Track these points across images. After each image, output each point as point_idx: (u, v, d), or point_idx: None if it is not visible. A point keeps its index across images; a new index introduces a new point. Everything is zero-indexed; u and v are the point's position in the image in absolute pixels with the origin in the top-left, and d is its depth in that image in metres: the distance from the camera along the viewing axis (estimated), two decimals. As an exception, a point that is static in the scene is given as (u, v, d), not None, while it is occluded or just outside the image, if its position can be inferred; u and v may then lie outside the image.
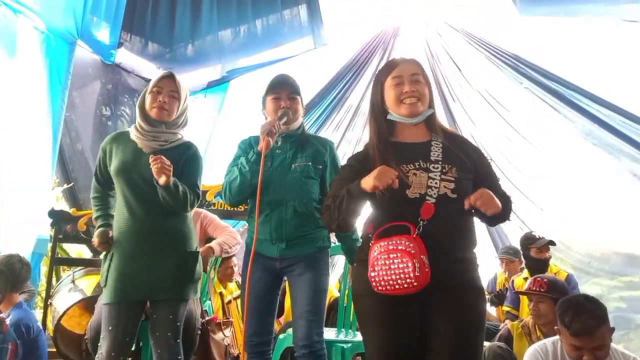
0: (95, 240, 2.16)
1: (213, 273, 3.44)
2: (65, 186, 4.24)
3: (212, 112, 5.17)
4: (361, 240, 1.83)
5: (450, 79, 5.63)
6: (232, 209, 3.66)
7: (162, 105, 2.18)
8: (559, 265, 4.19)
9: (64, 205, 4.24)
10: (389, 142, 1.77)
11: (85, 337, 2.67)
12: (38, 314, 3.58)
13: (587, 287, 4.94)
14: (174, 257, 2.14)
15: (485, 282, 3.97)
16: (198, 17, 4.55)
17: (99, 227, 2.21)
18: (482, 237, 2.20)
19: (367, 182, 1.59)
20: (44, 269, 4.01)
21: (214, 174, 4.94)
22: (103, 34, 4.16)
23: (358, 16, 5.59)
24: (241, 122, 5.31)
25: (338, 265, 5.35)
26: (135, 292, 2.09)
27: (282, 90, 2.20)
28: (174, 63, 4.72)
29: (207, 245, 2.80)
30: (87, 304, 2.96)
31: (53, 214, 3.62)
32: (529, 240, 3.78)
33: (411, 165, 1.69)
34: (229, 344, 2.97)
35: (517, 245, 4.27)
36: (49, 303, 3.38)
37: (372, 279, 1.60)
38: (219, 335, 2.88)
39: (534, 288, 2.78)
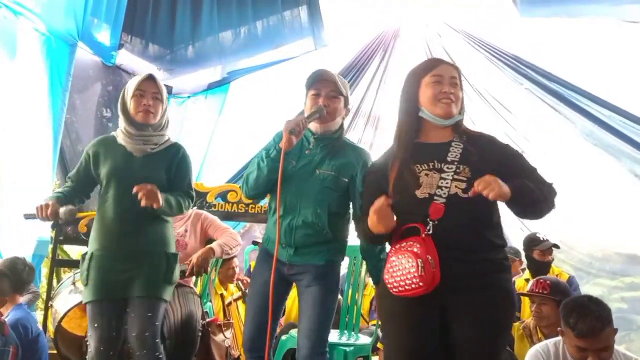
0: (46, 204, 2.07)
1: (214, 274, 3.43)
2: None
3: (212, 114, 5.16)
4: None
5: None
6: (232, 210, 3.66)
7: (147, 109, 2.18)
8: (561, 267, 4.19)
9: (64, 207, 4.23)
10: (412, 141, 1.76)
11: (86, 339, 2.66)
12: (39, 315, 3.58)
13: (589, 287, 4.94)
14: (152, 257, 2.16)
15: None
16: (198, 18, 4.55)
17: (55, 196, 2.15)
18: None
19: (375, 227, 1.63)
20: (44, 270, 4.01)
21: (214, 175, 4.95)
22: (104, 36, 4.16)
23: (358, 17, 5.59)
24: (242, 124, 5.32)
25: (342, 267, 5.34)
26: (114, 290, 2.12)
27: (324, 87, 2.05)
28: (175, 64, 4.73)
29: (208, 246, 2.79)
30: (88, 306, 2.96)
31: (54, 215, 3.61)
32: (533, 242, 3.75)
33: (425, 165, 1.69)
34: (229, 346, 2.96)
35: (518, 245, 4.26)
36: (49, 305, 3.37)
37: (387, 282, 1.63)
38: (219, 337, 2.87)
39: (537, 290, 2.77)
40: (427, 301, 1.60)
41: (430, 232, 1.60)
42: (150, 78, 2.23)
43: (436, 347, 1.62)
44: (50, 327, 2.93)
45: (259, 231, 5.09)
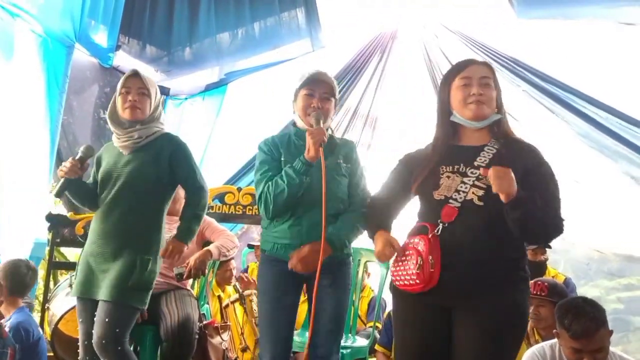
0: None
1: (211, 276, 3.43)
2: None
3: (210, 115, 5.16)
4: None
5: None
6: (229, 212, 3.67)
7: (134, 105, 2.20)
8: (557, 269, 4.20)
9: (61, 209, 4.23)
10: (445, 146, 1.76)
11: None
12: (35, 317, 3.57)
13: (586, 289, 4.95)
14: (124, 260, 2.14)
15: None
16: (196, 20, 4.54)
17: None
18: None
19: (376, 249, 1.72)
20: (41, 272, 3.99)
21: (212, 177, 4.94)
22: (101, 37, 4.16)
23: (356, 18, 5.60)
24: (240, 125, 5.32)
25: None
26: (90, 290, 2.16)
27: (317, 88, 2.06)
28: (172, 66, 4.72)
29: (205, 248, 2.79)
30: (85, 308, 2.95)
31: (50, 217, 3.61)
32: None
33: (450, 167, 1.69)
34: (226, 348, 2.96)
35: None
36: (46, 307, 3.36)
37: (392, 273, 1.71)
38: (216, 339, 2.87)
39: (535, 292, 2.77)
40: (433, 303, 1.63)
41: (439, 233, 1.62)
42: (136, 74, 2.24)
43: (441, 348, 1.64)
44: (47, 329, 2.92)
45: (256, 233, 5.08)
